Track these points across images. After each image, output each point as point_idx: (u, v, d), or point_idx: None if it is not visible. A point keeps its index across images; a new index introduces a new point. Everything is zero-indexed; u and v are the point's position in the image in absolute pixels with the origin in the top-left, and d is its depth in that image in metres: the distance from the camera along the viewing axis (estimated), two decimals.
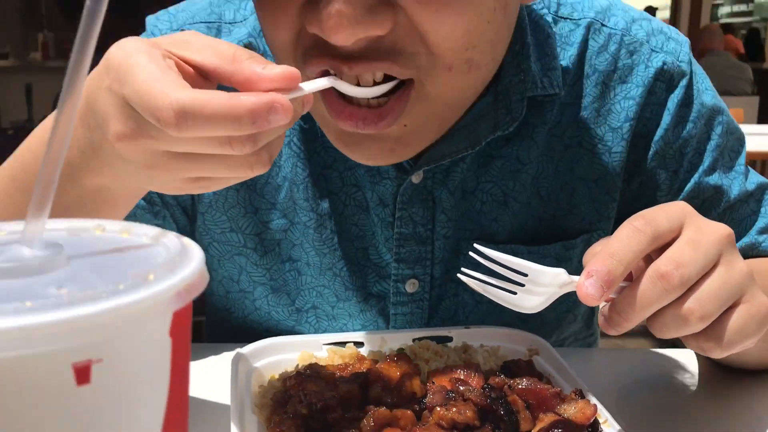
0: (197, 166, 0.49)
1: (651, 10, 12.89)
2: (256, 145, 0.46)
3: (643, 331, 0.66)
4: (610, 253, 0.52)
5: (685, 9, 12.26)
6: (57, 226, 0.35)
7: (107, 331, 0.26)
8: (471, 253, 0.58)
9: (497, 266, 0.57)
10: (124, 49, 0.48)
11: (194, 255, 0.31)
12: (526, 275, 0.57)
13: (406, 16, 0.55)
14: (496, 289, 0.57)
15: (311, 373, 0.62)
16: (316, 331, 0.83)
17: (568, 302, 0.82)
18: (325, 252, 0.80)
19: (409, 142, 0.64)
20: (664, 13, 13.11)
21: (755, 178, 0.84)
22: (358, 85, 0.59)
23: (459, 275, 0.58)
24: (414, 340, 0.73)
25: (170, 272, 0.29)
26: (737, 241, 0.81)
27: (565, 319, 0.85)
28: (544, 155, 0.78)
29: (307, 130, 0.78)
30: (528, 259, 0.78)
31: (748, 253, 0.82)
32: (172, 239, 0.33)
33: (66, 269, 0.30)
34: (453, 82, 0.60)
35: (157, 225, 0.78)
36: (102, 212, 0.61)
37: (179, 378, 0.31)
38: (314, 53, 0.58)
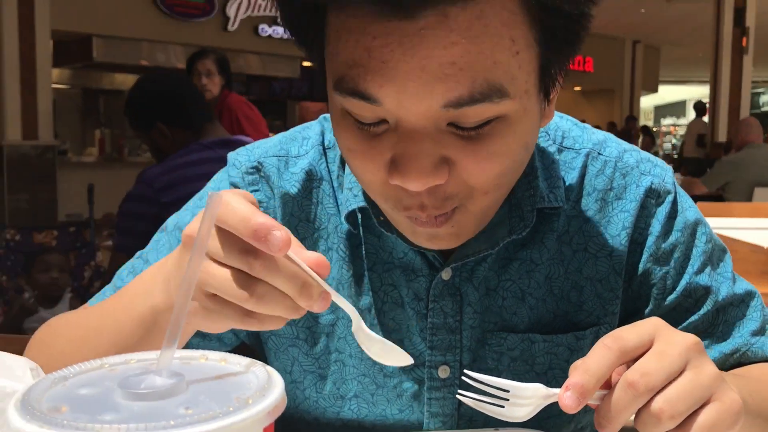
0: (209, 277, 0.60)
1: (701, 105, 13.11)
2: (252, 270, 0.57)
3: None
4: (584, 369, 0.62)
5: (724, 98, 12.40)
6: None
7: None
8: (464, 378, 0.69)
9: (486, 387, 0.68)
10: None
11: (277, 383, 0.43)
12: (508, 391, 0.67)
13: (457, 168, 0.71)
14: (488, 405, 0.68)
15: None
16: (357, 417, 0.93)
17: None
18: None
19: (461, 234, 0.79)
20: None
21: (743, 285, 0.94)
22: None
23: (457, 395, 0.69)
24: None
25: (262, 397, 0.41)
26: (729, 341, 0.91)
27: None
28: (555, 259, 0.91)
29: (354, 236, 0.91)
30: (544, 347, 0.91)
31: (743, 354, 0.91)
32: (260, 368, 0.45)
33: (186, 394, 0.42)
34: (488, 200, 0.75)
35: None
36: (154, 337, 0.73)
37: None
38: (399, 206, 0.74)
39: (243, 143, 2.39)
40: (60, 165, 9.55)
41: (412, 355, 0.90)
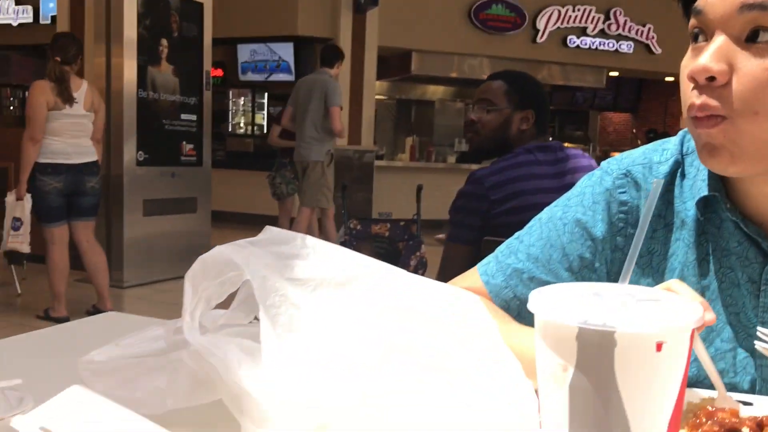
0: None
1: None
2: None
3: None
4: None
5: None
6: None
7: (673, 328, 0.57)
8: (758, 332, 0.85)
9: None
10: None
11: None
12: None
13: (735, 77, 0.86)
14: None
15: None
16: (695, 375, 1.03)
17: None
18: None
19: (734, 153, 0.90)
20: None
21: None
22: None
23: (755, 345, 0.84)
24: None
25: None
26: None
27: None
28: None
29: (698, 225, 1.06)
30: None
31: None
32: None
33: None
34: (755, 128, 0.87)
35: None
36: None
37: (687, 370, 0.60)
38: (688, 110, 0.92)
39: (557, 148, 2.56)
40: (375, 168, 10.50)
41: (745, 327, 1.05)
